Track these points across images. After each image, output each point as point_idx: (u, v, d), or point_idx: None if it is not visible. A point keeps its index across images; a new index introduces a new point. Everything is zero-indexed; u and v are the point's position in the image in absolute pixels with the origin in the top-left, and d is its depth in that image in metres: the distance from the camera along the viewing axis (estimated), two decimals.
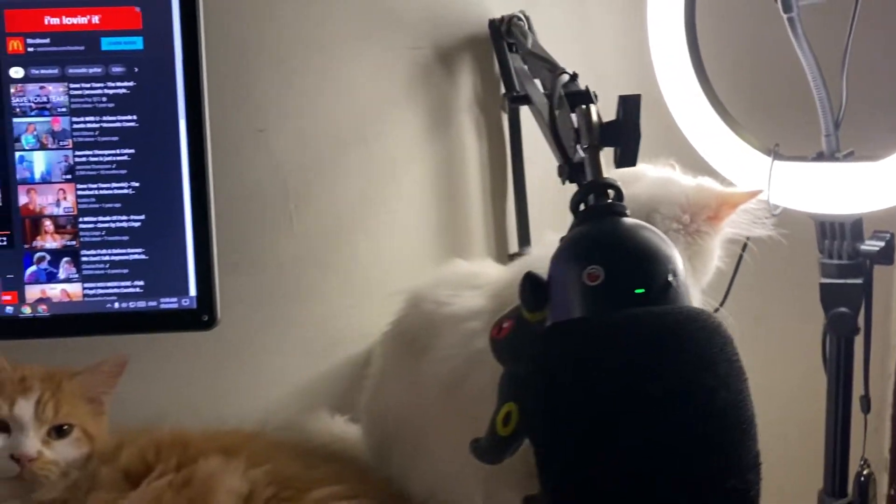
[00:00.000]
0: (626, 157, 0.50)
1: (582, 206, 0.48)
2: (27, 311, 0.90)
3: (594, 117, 0.50)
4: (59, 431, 0.76)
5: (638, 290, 0.43)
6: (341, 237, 1.11)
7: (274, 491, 0.72)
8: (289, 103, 1.07)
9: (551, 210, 1.08)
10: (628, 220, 0.46)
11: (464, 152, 1.10)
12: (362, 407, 0.84)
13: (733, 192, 0.74)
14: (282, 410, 1.02)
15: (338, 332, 1.13)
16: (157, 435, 0.78)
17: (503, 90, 1.06)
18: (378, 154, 1.09)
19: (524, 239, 1.05)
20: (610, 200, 0.47)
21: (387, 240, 1.11)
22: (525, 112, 1.02)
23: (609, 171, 0.53)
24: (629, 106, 0.49)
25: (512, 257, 0.96)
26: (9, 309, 0.90)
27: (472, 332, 0.72)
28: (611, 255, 0.44)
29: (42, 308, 0.90)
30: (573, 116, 0.52)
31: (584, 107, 0.50)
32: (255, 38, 1.04)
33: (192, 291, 0.90)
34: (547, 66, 0.65)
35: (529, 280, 0.48)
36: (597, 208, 0.47)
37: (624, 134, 0.49)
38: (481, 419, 0.71)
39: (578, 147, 0.52)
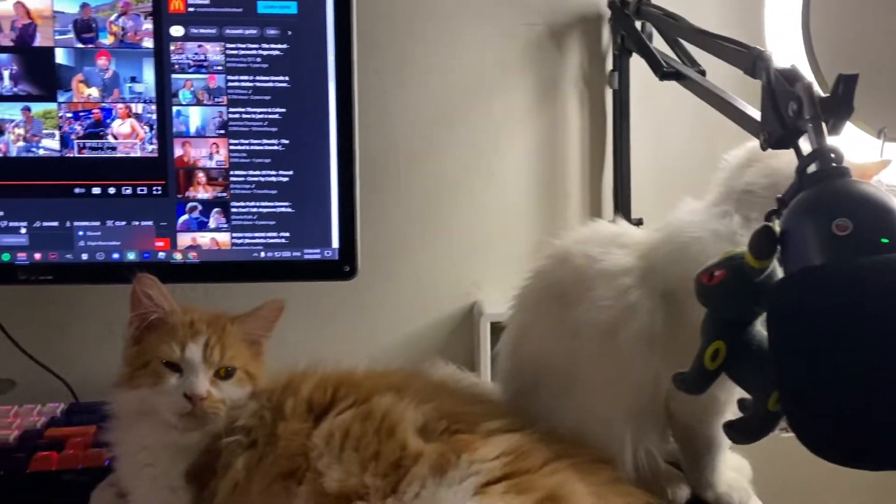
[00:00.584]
0: (836, 130, 0.57)
1: (808, 170, 0.55)
2: (178, 257, 0.96)
3: (816, 92, 0.57)
4: (224, 373, 0.80)
5: (883, 240, 0.49)
6: (445, 199, 1.17)
7: (446, 424, 0.78)
8: (406, 70, 1.12)
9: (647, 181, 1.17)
10: (858, 181, 0.53)
11: (566, 125, 1.16)
12: (503, 354, 0.90)
13: (868, 163, 0.80)
14: (395, 359, 1.09)
15: (436, 289, 1.20)
16: (327, 373, 0.84)
17: (609, 67, 1.13)
18: (486, 122, 1.15)
19: (624, 208, 1.12)
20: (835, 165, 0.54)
21: (488, 203, 1.18)
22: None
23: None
24: (847, 83, 0.56)
25: (637, 223, 1.02)
26: (161, 255, 0.95)
27: (625, 287, 0.79)
28: (858, 209, 0.51)
29: (192, 255, 0.96)
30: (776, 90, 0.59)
31: (806, 82, 0.57)
32: (386, 9, 1.09)
33: (335, 243, 0.96)
34: (735, 45, 0.71)
35: (766, 231, 0.55)
36: (831, 170, 0.54)
37: (839, 108, 0.56)
38: (632, 364, 0.79)
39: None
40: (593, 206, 1.19)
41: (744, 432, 0.62)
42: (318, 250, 0.97)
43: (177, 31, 0.93)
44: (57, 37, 0.92)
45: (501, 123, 1.16)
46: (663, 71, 0.85)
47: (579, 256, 0.83)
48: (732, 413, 0.82)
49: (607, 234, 0.84)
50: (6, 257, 0.94)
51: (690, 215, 0.81)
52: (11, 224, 0.93)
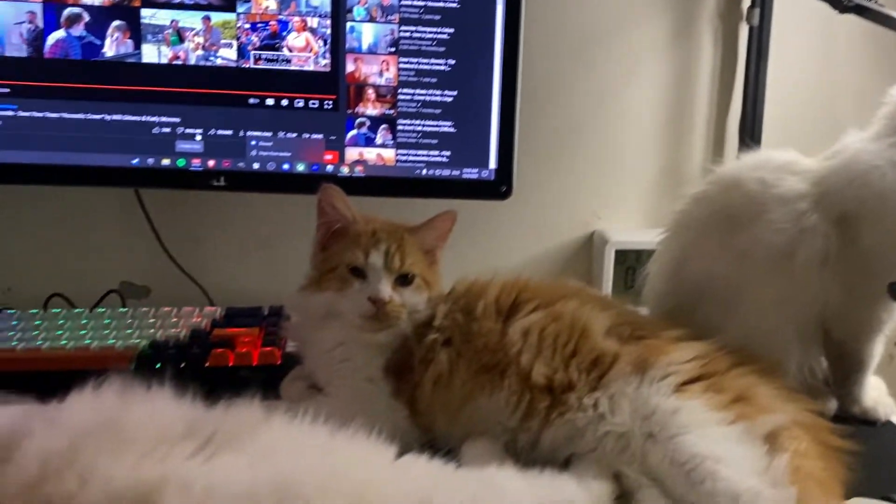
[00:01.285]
0: None
1: None
2: (345, 170, 0.99)
3: None
4: (403, 280, 0.85)
5: None
6: (575, 130, 1.21)
7: (630, 330, 0.83)
8: (548, 1, 1.15)
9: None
10: None
11: (699, 60, 1.19)
12: (658, 276, 0.95)
13: None
14: None
15: (557, 216, 1.25)
16: (505, 280, 0.88)
17: (748, 3, 1.16)
18: (621, 55, 1.18)
19: (756, 139, 1.16)
20: None
21: (615, 135, 1.22)
22: None
23: None
24: None
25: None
26: (329, 168, 0.99)
27: (801, 212, 0.83)
28: None
29: (358, 169, 0.99)
30: None
31: None
32: None
33: (493, 164, 1.00)
34: None
35: None
36: None
37: None
38: (804, 284, 0.84)
39: None
40: (717, 143, 1.23)
41: None
42: (475, 170, 1.00)
43: None
44: None
45: (636, 57, 1.19)
46: (843, 5, 0.88)
47: (752, 182, 0.87)
48: (885, 335, 0.88)
49: (779, 162, 0.88)
50: (181, 163, 0.97)
51: (863, 144, 0.85)
52: (188, 130, 0.96)
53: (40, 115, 0.94)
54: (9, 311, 1.04)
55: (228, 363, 0.94)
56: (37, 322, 1.01)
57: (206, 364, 0.93)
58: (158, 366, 0.93)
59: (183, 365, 0.93)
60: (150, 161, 0.97)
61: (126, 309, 1.08)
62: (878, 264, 0.82)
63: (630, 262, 1.20)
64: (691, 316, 0.89)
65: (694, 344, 0.78)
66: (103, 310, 1.07)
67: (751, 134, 1.16)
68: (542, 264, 1.24)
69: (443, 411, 0.77)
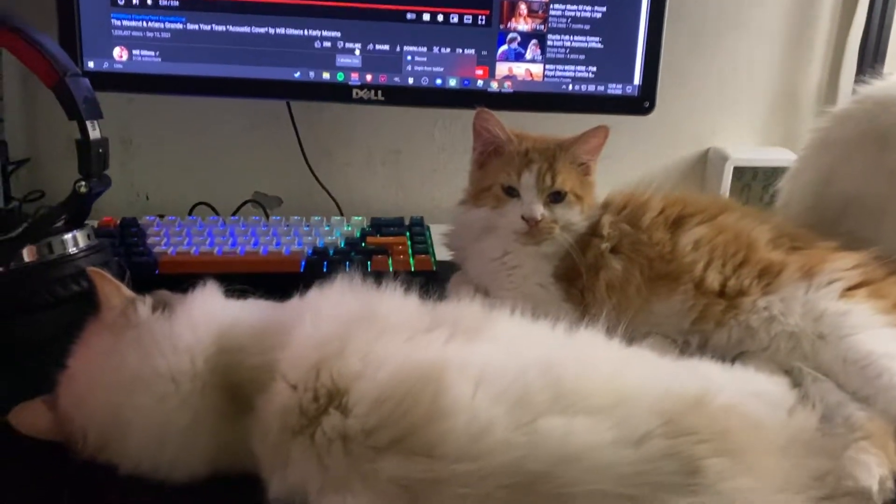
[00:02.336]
0: None
1: None
2: (494, 86, 1.03)
3: None
4: (556, 196, 0.87)
5: None
6: (698, 47, 1.23)
7: (789, 242, 0.88)
8: None
9: None
10: None
11: None
12: (802, 192, 0.99)
13: None
14: None
15: (676, 132, 1.28)
16: (664, 195, 0.92)
17: None
18: None
19: (880, 61, 1.18)
20: None
21: (736, 53, 1.24)
22: None
23: None
24: None
25: None
26: (480, 83, 1.03)
27: None
28: None
29: (507, 84, 1.03)
30: None
31: None
32: None
33: (637, 80, 1.03)
34: None
35: None
36: None
37: None
38: None
39: None
40: (834, 66, 1.25)
41: None
42: (620, 86, 1.04)
43: None
44: None
45: None
46: None
47: None
48: None
49: None
50: (341, 77, 1.01)
51: None
52: (347, 45, 1.00)
53: (207, 27, 0.98)
54: (170, 218, 1.10)
55: (389, 268, 1.00)
56: (177, 228, 1.06)
57: (370, 269, 1.00)
58: (326, 269, 0.99)
59: (348, 269, 0.99)
60: (312, 74, 1.00)
61: (263, 217, 1.14)
62: None
63: (747, 178, 1.24)
64: (833, 230, 0.94)
65: (851, 254, 0.83)
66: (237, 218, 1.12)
67: (874, 56, 1.18)
68: (658, 178, 1.28)
69: (615, 315, 0.83)
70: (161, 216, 1.09)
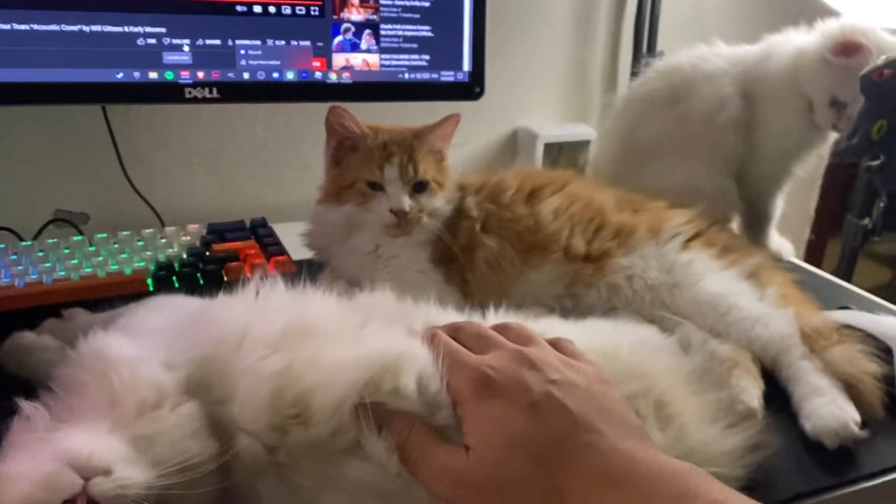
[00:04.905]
0: None
1: None
2: (333, 77, 1.01)
3: None
4: (419, 186, 0.88)
5: None
6: (502, 34, 1.30)
7: (629, 206, 0.95)
8: None
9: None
10: None
11: None
12: (612, 143, 1.13)
13: None
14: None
15: (488, 115, 1.35)
16: (513, 172, 0.96)
17: None
18: None
19: (651, 41, 1.34)
20: None
21: (536, 38, 1.33)
22: None
23: None
24: None
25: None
26: (318, 74, 1.00)
27: (721, 86, 1.05)
28: None
29: (346, 75, 1.02)
30: None
31: None
32: None
33: (467, 67, 1.07)
34: None
35: None
36: None
37: None
38: (728, 143, 1.05)
39: None
40: (613, 47, 1.40)
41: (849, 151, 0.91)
42: (451, 73, 1.07)
43: None
44: None
45: None
46: None
47: (687, 66, 1.06)
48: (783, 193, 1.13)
49: (706, 50, 1.08)
50: (170, 75, 0.93)
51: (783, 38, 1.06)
52: (175, 41, 0.92)
53: (6, 27, 0.85)
54: None
55: (248, 274, 0.95)
56: None
57: (226, 278, 0.94)
58: (177, 285, 0.92)
59: (202, 281, 0.93)
60: (137, 75, 0.91)
61: (81, 237, 1.02)
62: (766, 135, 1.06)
63: (554, 154, 1.35)
64: (640, 171, 1.08)
65: (683, 210, 0.95)
66: (54, 241, 1.00)
67: (648, 39, 1.35)
68: (474, 160, 1.35)
69: (495, 289, 0.87)
70: None
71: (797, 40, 1.03)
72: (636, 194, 1.00)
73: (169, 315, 0.69)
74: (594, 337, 0.71)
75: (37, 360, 0.72)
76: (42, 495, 0.46)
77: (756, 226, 1.13)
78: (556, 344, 0.60)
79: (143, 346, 0.60)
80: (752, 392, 0.73)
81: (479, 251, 0.88)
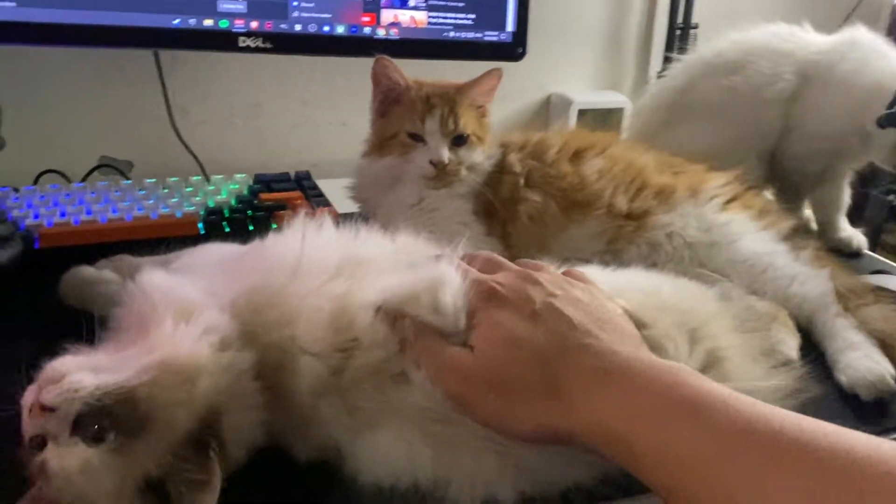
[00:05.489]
0: None
1: None
2: (381, 32, 1.03)
3: None
4: (459, 140, 0.90)
5: None
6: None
7: (669, 168, 0.97)
8: None
9: None
10: None
11: None
12: (661, 104, 1.15)
13: None
14: None
15: (520, 82, 1.36)
16: (557, 133, 0.99)
17: None
18: None
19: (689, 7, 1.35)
20: None
21: (571, 5, 1.34)
22: None
23: None
24: None
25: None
26: (367, 30, 1.02)
27: (779, 65, 1.06)
28: None
29: (393, 31, 1.04)
30: None
31: None
32: None
33: (510, 27, 1.09)
34: None
35: None
36: None
37: None
38: (769, 117, 1.06)
39: None
40: (649, 13, 1.41)
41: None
42: (496, 33, 1.09)
43: None
44: None
45: None
46: None
47: (759, 40, 1.09)
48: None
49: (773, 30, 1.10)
50: (224, 24, 0.95)
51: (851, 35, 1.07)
52: None
53: None
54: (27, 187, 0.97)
55: None
56: (40, 198, 0.95)
57: (276, 226, 0.96)
58: (227, 229, 0.94)
59: (252, 227, 0.95)
60: (192, 21, 0.93)
61: (130, 181, 1.05)
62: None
63: (587, 120, 1.37)
64: (679, 129, 1.10)
65: (721, 173, 0.97)
66: (105, 182, 1.03)
67: (685, 8, 1.36)
68: (508, 124, 1.36)
69: (536, 242, 0.90)
70: (16, 189, 0.96)
71: (877, 66, 1.02)
72: (675, 158, 1.03)
73: (220, 258, 0.71)
74: (635, 278, 0.74)
75: (97, 293, 0.75)
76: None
77: (823, 216, 1.14)
78: (567, 273, 0.63)
79: (188, 279, 0.63)
80: (790, 342, 0.76)
81: (522, 205, 0.90)
